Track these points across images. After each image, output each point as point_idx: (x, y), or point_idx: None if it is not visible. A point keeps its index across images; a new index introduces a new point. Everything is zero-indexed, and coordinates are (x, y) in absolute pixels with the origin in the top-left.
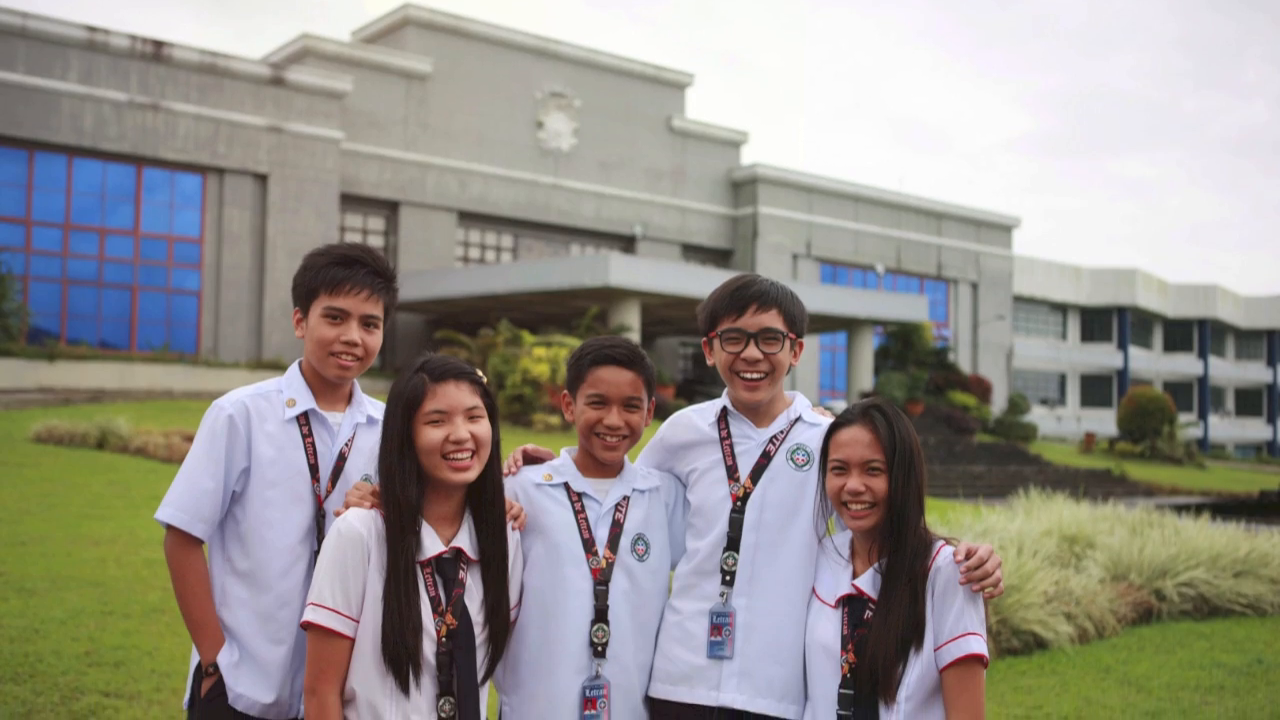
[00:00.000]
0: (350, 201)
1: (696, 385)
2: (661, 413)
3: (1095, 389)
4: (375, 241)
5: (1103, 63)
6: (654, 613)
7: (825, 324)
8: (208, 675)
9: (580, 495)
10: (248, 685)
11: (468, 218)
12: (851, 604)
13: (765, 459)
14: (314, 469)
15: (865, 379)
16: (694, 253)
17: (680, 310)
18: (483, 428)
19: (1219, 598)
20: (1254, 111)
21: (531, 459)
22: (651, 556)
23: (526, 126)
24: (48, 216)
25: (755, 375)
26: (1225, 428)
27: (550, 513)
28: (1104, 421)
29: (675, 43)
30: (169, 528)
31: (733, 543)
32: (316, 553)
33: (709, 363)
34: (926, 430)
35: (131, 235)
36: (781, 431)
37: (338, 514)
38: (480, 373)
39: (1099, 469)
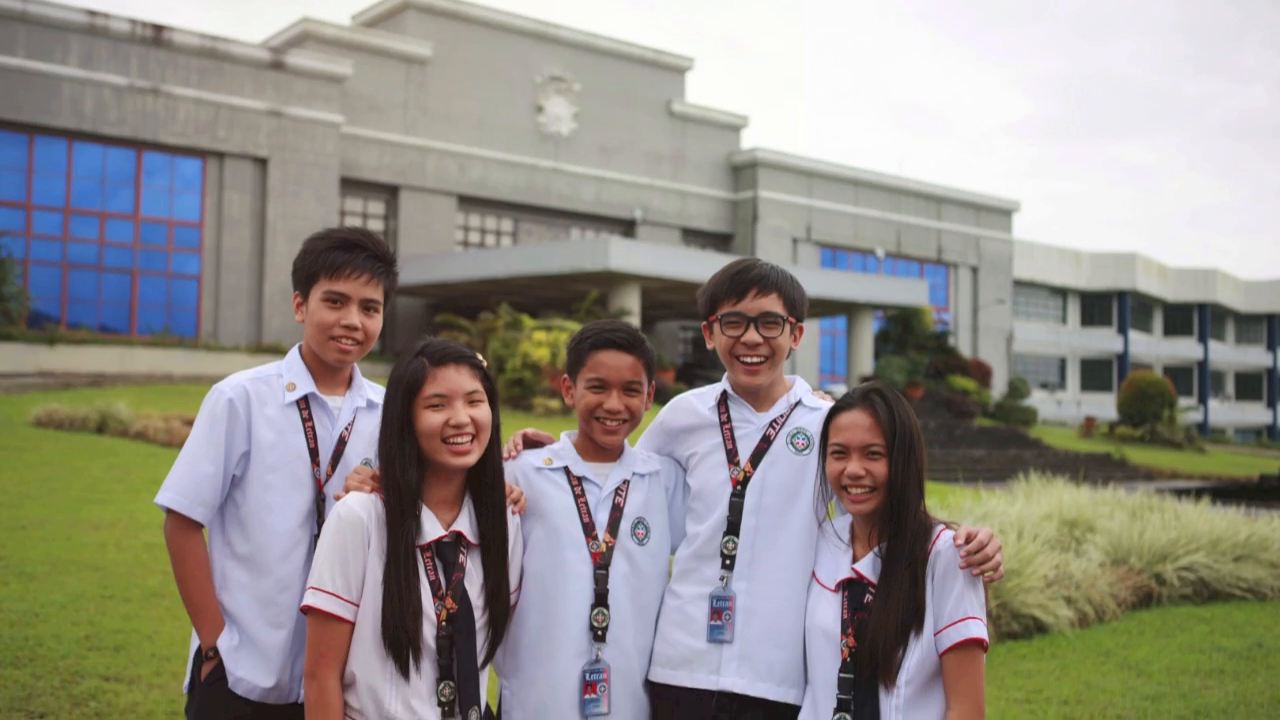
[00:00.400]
0: (350, 185)
1: (696, 369)
2: (661, 397)
3: (1095, 373)
4: (375, 225)
5: (1103, 47)
6: (654, 597)
7: (825, 308)
8: (208, 659)
9: (580, 479)
10: (248, 669)
11: (467, 202)
12: (851, 588)
13: (765, 443)
14: (314, 453)
15: (865, 363)
16: (694, 237)
17: (680, 294)
18: (483, 412)
19: (1219, 582)
20: (1254, 96)
21: (531, 443)
22: (651, 540)
23: (526, 110)
24: (48, 200)
25: (755, 359)
26: (1225, 412)
27: (550, 497)
28: (1104, 406)
29: (675, 26)
30: (169, 512)
31: (733, 527)
32: (316, 537)
33: (709, 347)
34: (926, 414)
35: (131, 219)
36: (781, 415)
37: (338, 498)
38: (480, 357)
39: (1099, 453)
